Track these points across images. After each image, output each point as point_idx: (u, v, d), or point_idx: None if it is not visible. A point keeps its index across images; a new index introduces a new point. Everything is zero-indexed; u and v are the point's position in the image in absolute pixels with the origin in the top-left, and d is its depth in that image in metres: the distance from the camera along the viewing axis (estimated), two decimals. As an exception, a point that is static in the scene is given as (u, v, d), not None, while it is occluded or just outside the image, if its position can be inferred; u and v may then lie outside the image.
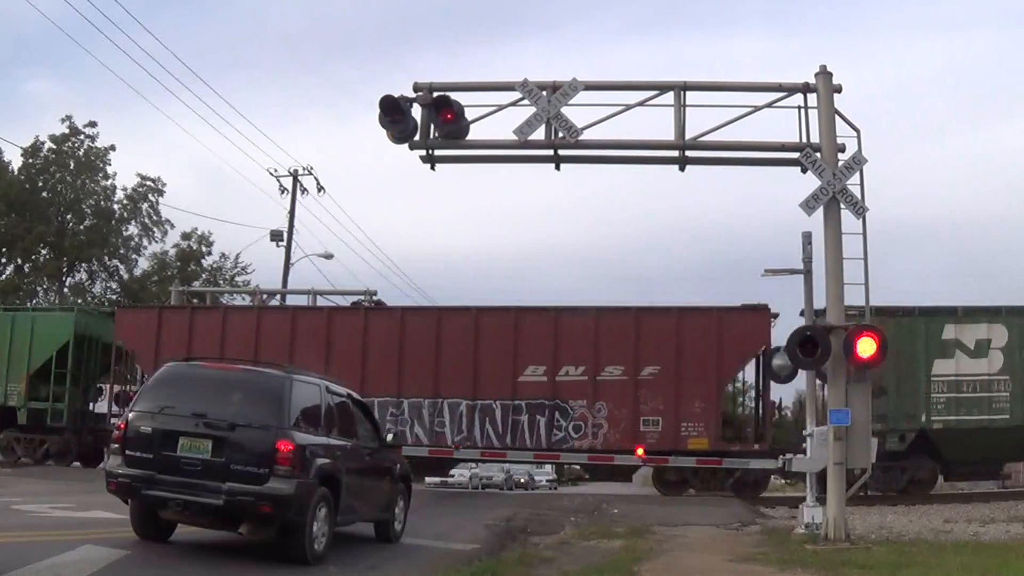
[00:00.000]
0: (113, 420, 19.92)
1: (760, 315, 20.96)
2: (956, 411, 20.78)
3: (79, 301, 38.84)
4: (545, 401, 20.51)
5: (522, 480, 41.80)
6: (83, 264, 42.62)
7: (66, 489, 16.61)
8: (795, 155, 12.62)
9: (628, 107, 13.13)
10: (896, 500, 20.38)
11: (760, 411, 21.68)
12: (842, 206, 12.23)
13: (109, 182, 42.79)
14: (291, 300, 27.87)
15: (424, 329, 21.53)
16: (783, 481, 26.83)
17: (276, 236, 34.79)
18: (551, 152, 13.29)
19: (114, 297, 42.28)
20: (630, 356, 20.31)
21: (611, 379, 20.30)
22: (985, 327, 20.89)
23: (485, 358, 20.86)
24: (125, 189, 43.06)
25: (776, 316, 22.10)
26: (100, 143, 42.09)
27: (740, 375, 22.91)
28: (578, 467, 39.60)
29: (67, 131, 41.40)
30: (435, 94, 12.99)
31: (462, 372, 20.87)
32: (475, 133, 13.44)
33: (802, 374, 13.87)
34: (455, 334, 21.24)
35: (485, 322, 21.26)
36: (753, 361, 21.47)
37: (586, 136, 12.98)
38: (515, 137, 12.93)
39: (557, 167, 13.48)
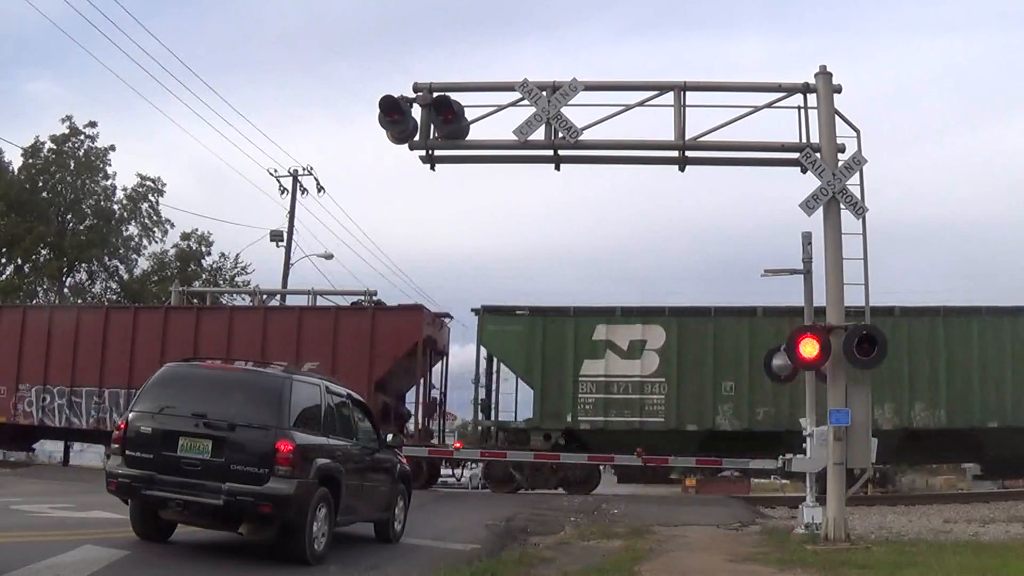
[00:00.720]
0: None
1: (412, 315, 22.53)
2: (605, 412, 20.85)
3: (79, 301, 38.85)
4: None
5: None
6: (83, 264, 42.56)
7: (66, 489, 16.61)
8: (795, 155, 12.62)
9: (628, 107, 13.13)
10: (896, 500, 20.43)
11: (422, 408, 22.96)
12: (842, 206, 12.23)
13: (109, 182, 42.76)
14: (290, 300, 27.89)
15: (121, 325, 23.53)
16: (783, 481, 26.87)
17: (276, 236, 34.79)
18: (551, 152, 13.28)
19: (114, 297, 42.28)
20: (293, 352, 21.42)
21: None
22: (640, 328, 20.92)
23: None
24: (125, 189, 43.05)
25: (450, 317, 23.99)
26: (100, 143, 42.05)
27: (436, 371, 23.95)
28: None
29: (67, 131, 41.35)
30: (435, 94, 13.00)
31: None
32: (475, 133, 13.44)
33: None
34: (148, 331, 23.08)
35: (205, 321, 23.19)
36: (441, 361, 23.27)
37: (586, 136, 12.97)
38: (515, 137, 12.92)
39: (557, 167, 13.48)
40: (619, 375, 20.88)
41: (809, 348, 11.97)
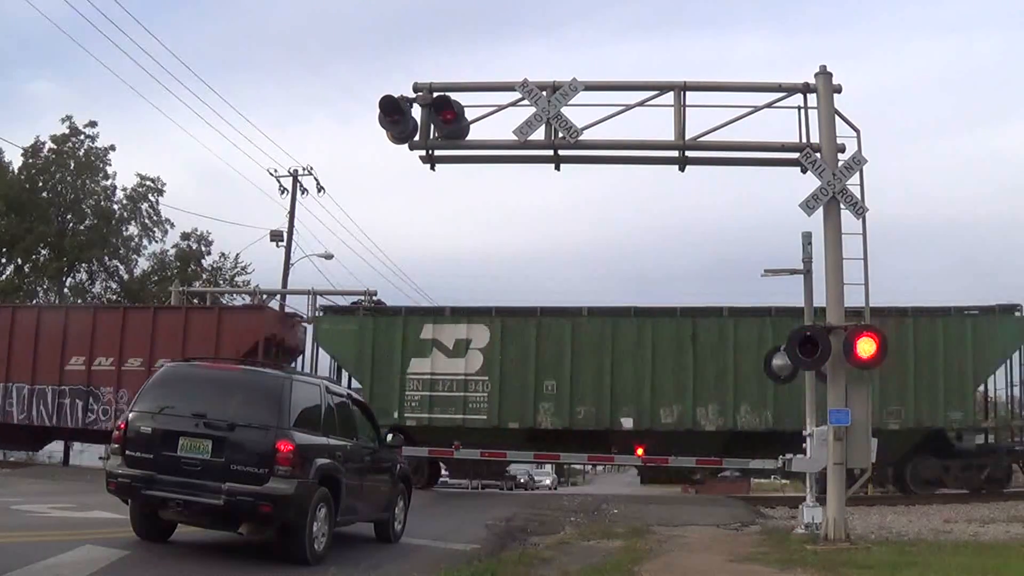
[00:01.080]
0: None
1: (253, 314, 24.00)
2: (430, 409, 21.25)
3: (79, 301, 38.84)
4: (82, 387, 22.99)
5: (522, 480, 41.72)
6: (83, 264, 42.54)
7: (66, 489, 16.61)
8: (795, 155, 12.62)
9: (628, 107, 13.12)
10: (896, 500, 20.40)
11: None
12: (842, 206, 12.23)
13: (109, 182, 42.75)
14: (290, 300, 27.93)
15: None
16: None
17: (276, 236, 34.74)
18: (551, 152, 13.28)
19: (114, 297, 42.27)
20: (147, 349, 22.68)
21: (132, 369, 22.66)
22: (465, 327, 21.36)
23: (43, 351, 23.35)
24: (125, 189, 43.02)
25: (302, 318, 24.79)
26: (100, 143, 42.05)
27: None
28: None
29: (67, 131, 41.32)
30: (435, 94, 12.99)
31: (23, 361, 23.42)
32: (475, 133, 13.43)
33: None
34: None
35: (45, 319, 24.29)
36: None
37: (586, 136, 12.96)
38: (515, 137, 12.91)
39: (557, 167, 13.47)
40: (444, 373, 21.36)
41: (809, 348, 11.98)
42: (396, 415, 21.08)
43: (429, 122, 13.18)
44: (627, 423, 20.61)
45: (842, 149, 12.53)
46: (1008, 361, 21.22)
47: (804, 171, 12.45)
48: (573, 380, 20.82)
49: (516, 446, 21.26)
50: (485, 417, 21.06)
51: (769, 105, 12.97)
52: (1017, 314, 21.21)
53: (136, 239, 43.86)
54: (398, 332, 21.55)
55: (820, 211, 12.32)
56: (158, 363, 20.36)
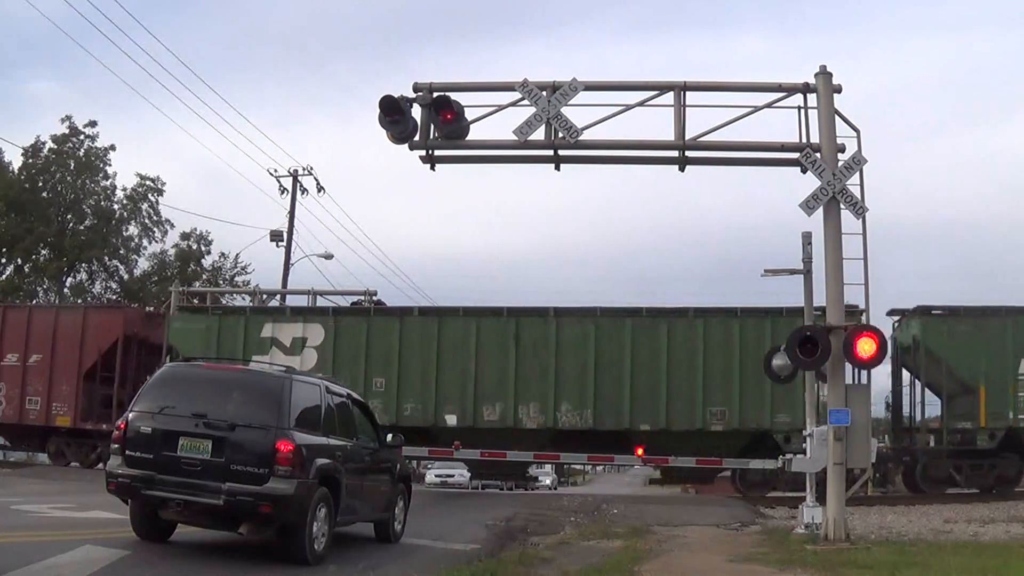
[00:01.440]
0: None
1: (114, 313, 25.81)
2: None
3: (78, 301, 38.84)
4: None
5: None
6: (83, 264, 42.57)
7: (66, 489, 16.61)
8: (795, 155, 12.62)
9: (628, 107, 13.12)
10: (896, 500, 20.39)
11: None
12: (842, 206, 12.23)
13: (109, 182, 42.78)
14: (291, 300, 27.89)
15: None
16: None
17: (276, 236, 34.74)
18: (551, 152, 13.28)
19: (114, 297, 42.28)
20: (22, 346, 23.95)
21: (10, 365, 24.00)
22: (302, 326, 22.14)
23: None
24: (125, 189, 43.05)
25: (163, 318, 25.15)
26: (100, 143, 42.08)
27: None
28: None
29: (67, 131, 41.34)
30: (435, 94, 12.99)
31: None
32: (475, 133, 13.43)
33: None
34: None
35: None
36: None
37: (586, 136, 12.96)
38: (515, 137, 12.92)
39: (557, 167, 13.47)
40: None
41: (809, 348, 11.98)
42: None
43: (429, 122, 13.18)
44: (451, 420, 21.04)
45: (842, 149, 12.52)
46: None
47: (804, 171, 12.45)
48: (401, 377, 21.29)
49: None
50: None
51: (769, 105, 12.97)
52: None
53: (136, 239, 43.92)
54: (241, 331, 22.41)
55: (820, 211, 12.32)
56: (32, 359, 23.71)
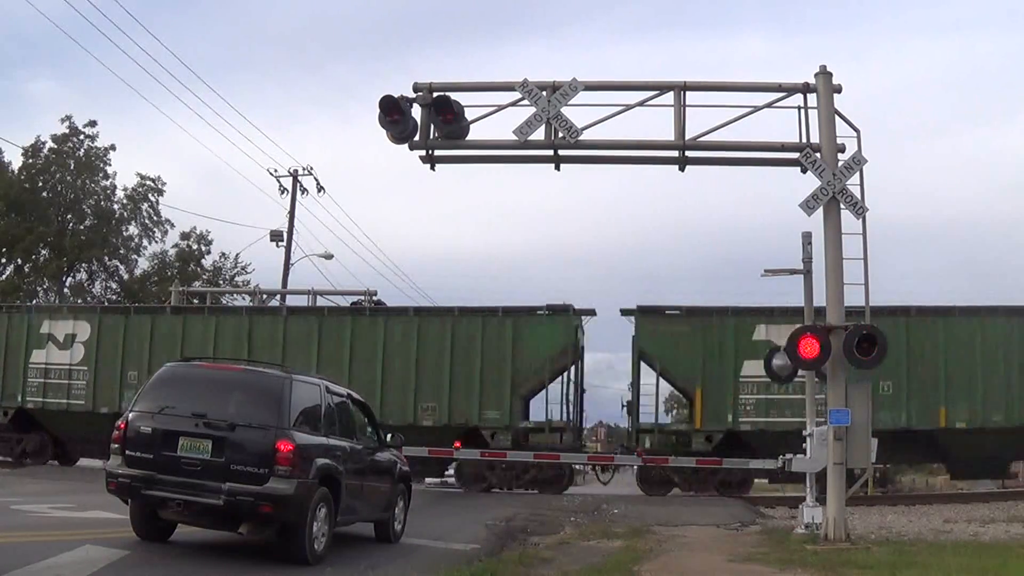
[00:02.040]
0: None
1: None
2: (44, 394, 23.79)
3: (79, 301, 38.85)
4: None
5: None
6: (83, 264, 42.60)
7: (66, 489, 16.61)
8: (795, 155, 12.61)
9: (628, 107, 13.12)
10: (896, 500, 20.42)
11: None
12: (842, 206, 12.22)
13: (109, 182, 42.83)
14: (290, 300, 27.92)
15: None
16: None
17: (276, 236, 34.76)
18: (551, 152, 13.28)
19: (114, 297, 42.30)
20: None
21: None
22: (72, 323, 23.94)
23: None
24: (125, 189, 43.11)
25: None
26: (100, 143, 42.12)
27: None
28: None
29: (67, 131, 41.39)
30: (435, 94, 12.99)
31: None
32: (475, 133, 13.44)
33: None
34: None
35: None
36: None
37: (586, 136, 12.96)
38: (515, 137, 12.92)
39: (557, 167, 13.47)
40: (55, 363, 23.93)
41: (809, 348, 11.98)
42: (19, 399, 23.76)
43: (429, 122, 13.18)
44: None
45: (842, 149, 12.52)
46: (564, 363, 21.85)
47: (804, 171, 12.45)
48: (151, 373, 21.72)
49: (105, 432, 22.66)
50: (83, 402, 23.36)
51: (769, 105, 12.96)
52: (566, 315, 21.85)
53: (136, 239, 43.95)
54: (24, 328, 24.05)
55: (820, 211, 12.32)
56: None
